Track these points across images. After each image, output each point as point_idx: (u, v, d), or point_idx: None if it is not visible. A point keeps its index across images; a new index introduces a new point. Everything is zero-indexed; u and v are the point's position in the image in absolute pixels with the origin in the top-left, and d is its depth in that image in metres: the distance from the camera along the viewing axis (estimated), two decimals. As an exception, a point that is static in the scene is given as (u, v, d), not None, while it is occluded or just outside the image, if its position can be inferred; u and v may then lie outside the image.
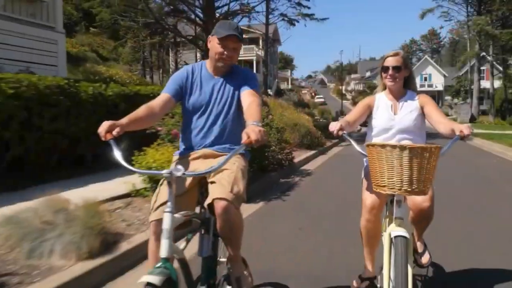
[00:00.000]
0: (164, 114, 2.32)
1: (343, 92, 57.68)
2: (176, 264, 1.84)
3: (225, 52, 2.19)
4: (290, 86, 60.17)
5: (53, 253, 3.02)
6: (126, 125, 1.93)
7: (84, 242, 3.09)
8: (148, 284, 1.47)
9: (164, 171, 1.70)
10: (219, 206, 1.97)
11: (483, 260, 3.36)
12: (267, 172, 7.13)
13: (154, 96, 2.00)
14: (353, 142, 2.30)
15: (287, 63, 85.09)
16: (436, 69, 58.53)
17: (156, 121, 2.22)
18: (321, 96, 62.42)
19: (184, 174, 1.71)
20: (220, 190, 1.99)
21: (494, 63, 37.29)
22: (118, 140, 1.86)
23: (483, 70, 42.01)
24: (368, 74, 79.72)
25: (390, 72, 2.52)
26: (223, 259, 2.27)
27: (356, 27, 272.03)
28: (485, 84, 40.49)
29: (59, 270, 2.87)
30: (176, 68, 32.70)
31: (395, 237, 1.97)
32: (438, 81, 56.94)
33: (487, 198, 5.95)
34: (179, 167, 1.72)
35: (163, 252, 1.64)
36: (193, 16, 17.42)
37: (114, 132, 1.83)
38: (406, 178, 1.88)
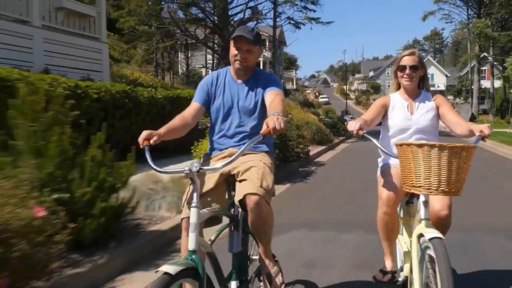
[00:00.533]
0: (197, 122, 2.43)
1: (347, 91, 59.00)
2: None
3: (239, 54, 2.26)
4: (295, 86, 61.47)
5: (161, 208, 4.45)
6: (163, 135, 2.09)
7: (180, 201, 4.50)
8: (165, 273, 1.53)
9: (184, 169, 1.78)
10: (251, 201, 2.02)
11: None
12: (289, 162, 8.55)
13: (191, 98, 2.41)
14: (375, 141, 2.28)
15: (291, 63, 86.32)
16: (439, 69, 59.84)
17: (189, 129, 2.32)
18: (325, 96, 63.41)
19: (201, 169, 1.77)
20: (250, 186, 2.05)
21: (495, 63, 38.58)
22: (152, 146, 2.04)
23: (484, 70, 43.35)
24: (371, 74, 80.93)
25: (408, 71, 2.50)
26: (256, 257, 2.34)
27: (359, 28, 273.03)
28: (486, 84, 41.79)
29: (167, 218, 4.29)
30: (187, 70, 34.22)
31: (432, 238, 1.89)
32: (440, 81, 58.20)
33: (478, 188, 7.31)
34: (196, 164, 1.77)
35: (191, 245, 1.71)
36: (209, 23, 18.90)
37: (152, 141, 2.00)
38: (444, 178, 1.85)
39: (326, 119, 21.09)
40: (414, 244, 2.04)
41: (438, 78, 58.40)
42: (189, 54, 32.87)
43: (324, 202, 5.67)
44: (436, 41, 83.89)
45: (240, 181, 2.11)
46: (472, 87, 39.20)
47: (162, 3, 20.44)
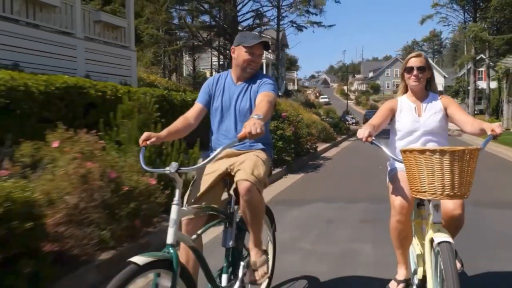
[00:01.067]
0: (199, 123, 2.50)
1: (347, 92, 60.34)
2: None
3: (252, 59, 2.38)
4: (296, 87, 62.70)
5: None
6: (164, 137, 2.24)
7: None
8: (133, 263, 1.59)
9: (165, 169, 1.87)
10: (242, 186, 2.10)
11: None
12: (300, 156, 9.86)
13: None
14: (384, 148, 2.28)
15: (291, 64, 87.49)
16: (437, 70, 61.13)
17: (191, 130, 2.45)
18: (326, 96, 64.45)
19: (179, 169, 1.86)
20: (242, 174, 2.14)
21: (491, 63, 39.88)
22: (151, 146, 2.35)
23: (481, 71, 44.72)
24: (371, 74, 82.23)
25: (415, 72, 2.51)
26: None
27: (358, 28, 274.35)
28: (483, 84, 43.14)
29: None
30: (194, 71, 35.55)
31: (440, 243, 1.93)
32: (438, 82, 58.76)
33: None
34: (174, 165, 1.86)
35: (169, 239, 1.78)
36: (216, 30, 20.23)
37: (149, 142, 2.13)
38: (448, 183, 1.86)
39: (327, 119, 22.33)
40: (427, 249, 2.06)
41: (436, 79, 57.19)
42: (196, 57, 34.11)
43: (334, 185, 7.01)
44: (434, 43, 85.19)
45: (235, 173, 2.21)
46: (469, 88, 40.55)
47: (172, 9, 21.81)
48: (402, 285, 2.53)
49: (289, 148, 8.70)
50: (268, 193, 6.28)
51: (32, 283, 2.54)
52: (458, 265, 2.51)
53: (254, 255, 2.24)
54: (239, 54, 2.39)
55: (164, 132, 2.28)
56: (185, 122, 2.40)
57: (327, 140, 14.77)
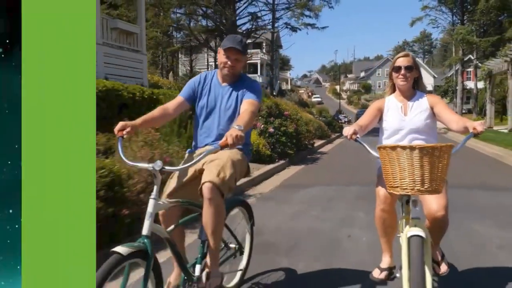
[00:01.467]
0: (178, 114, 2.57)
1: (340, 92, 61.67)
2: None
3: (228, 62, 2.44)
4: (289, 87, 63.84)
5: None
6: (139, 125, 2.29)
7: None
8: (117, 253, 1.71)
9: (149, 165, 1.98)
10: (205, 187, 2.14)
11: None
12: (300, 150, 11.00)
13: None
14: (366, 146, 2.31)
15: (284, 63, 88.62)
16: (426, 70, 62.81)
17: (169, 120, 2.51)
18: (318, 95, 65.52)
19: (163, 168, 1.95)
20: (207, 175, 2.17)
21: (479, 64, 41.37)
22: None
23: (470, 71, 46.30)
24: (362, 74, 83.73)
25: (403, 71, 2.54)
26: (232, 245, 2.60)
27: (351, 28, 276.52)
28: (471, 84, 44.69)
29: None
30: (191, 71, 36.57)
31: (410, 237, 1.99)
32: (428, 82, 61.00)
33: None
34: (159, 163, 1.96)
35: (144, 230, 1.88)
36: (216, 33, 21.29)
37: (124, 132, 2.16)
38: (418, 178, 1.90)
39: (320, 118, 23.34)
40: (404, 243, 2.11)
41: (426, 79, 60.65)
42: (193, 57, 35.10)
43: (332, 173, 8.18)
44: (425, 43, 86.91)
45: (203, 172, 2.25)
46: (457, 88, 42.08)
47: (172, 12, 22.87)
48: (385, 272, 2.59)
49: (290, 143, 9.82)
50: (275, 180, 7.42)
51: (129, 231, 3.62)
52: (445, 267, 2.60)
53: (211, 265, 2.27)
54: (219, 55, 2.52)
55: (139, 120, 2.33)
56: (162, 112, 2.48)
57: (323, 137, 15.94)
